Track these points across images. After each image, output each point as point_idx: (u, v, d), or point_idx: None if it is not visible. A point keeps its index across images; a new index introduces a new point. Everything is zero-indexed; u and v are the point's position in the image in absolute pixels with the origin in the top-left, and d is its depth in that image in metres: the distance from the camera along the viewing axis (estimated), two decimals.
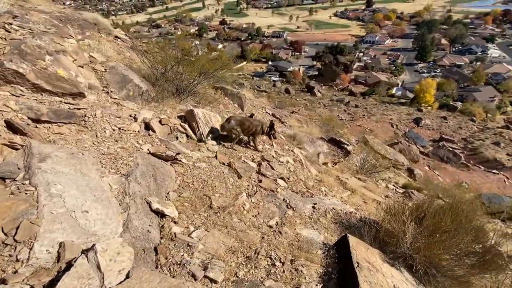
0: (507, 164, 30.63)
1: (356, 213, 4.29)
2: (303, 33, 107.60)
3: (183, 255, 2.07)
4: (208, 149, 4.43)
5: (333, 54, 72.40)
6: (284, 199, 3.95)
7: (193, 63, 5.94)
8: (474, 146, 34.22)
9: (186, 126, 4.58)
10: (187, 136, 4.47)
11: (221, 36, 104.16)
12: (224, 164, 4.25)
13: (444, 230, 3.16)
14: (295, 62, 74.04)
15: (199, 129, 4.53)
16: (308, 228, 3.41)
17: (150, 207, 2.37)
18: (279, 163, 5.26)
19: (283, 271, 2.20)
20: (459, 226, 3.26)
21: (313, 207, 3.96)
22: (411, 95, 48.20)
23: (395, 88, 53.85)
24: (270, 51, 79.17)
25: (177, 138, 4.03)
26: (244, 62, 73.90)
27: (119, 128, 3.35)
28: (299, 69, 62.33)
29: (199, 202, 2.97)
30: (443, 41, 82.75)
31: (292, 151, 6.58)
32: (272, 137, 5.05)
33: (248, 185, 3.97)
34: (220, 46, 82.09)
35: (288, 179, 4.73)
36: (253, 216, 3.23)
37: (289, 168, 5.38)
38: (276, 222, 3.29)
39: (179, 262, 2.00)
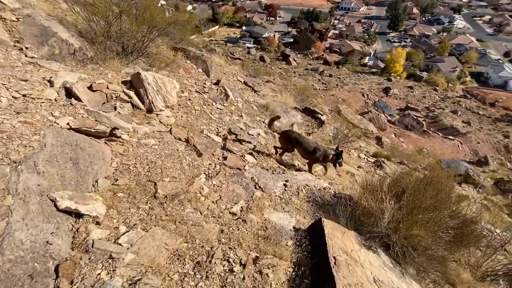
0: (461, 130, 33.53)
1: (330, 188, 3.96)
2: None
3: (100, 274, 1.47)
4: (160, 122, 3.66)
5: (309, 21, 69.83)
6: (252, 177, 3.43)
7: (140, 13, 4.80)
8: (435, 114, 36.57)
9: (132, 93, 3.69)
10: (133, 105, 3.62)
11: None
12: (180, 139, 3.54)
13: (424, 207, 2.91)
14: (270, 27, 70.46)
15: (148, 97, 3.68)
16: (279, 211, 2.96)
17: (56, 206, 1.68)
18: (249, 136, 4.68)
19: (243, 279, 1.72)
20: (439, 202, 3.04)
21: (285, 185, 3.52)
22: (382, 65, 49.00)
23: (367, 58, 54.20)
24: (244, 15, 74.23)
25: (115, 108, 3.19)
26: (216, 27, 68.50)
27: (24, 96, 2.44)
28: (274, 35, 59.44)
29: (140, 191, 2.32)
30: (415, 10, 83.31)
31: (263, 122, 6.00)
32: (338, 165, 4.31)
33: (209, 164, 3.37)
34: (189, 7, 74.75)
35: (258, 154, 4.20)
36: (212, 202, 2.68)
37: (259, 142, 4.84)
38: (241, 207, 2.78)
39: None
